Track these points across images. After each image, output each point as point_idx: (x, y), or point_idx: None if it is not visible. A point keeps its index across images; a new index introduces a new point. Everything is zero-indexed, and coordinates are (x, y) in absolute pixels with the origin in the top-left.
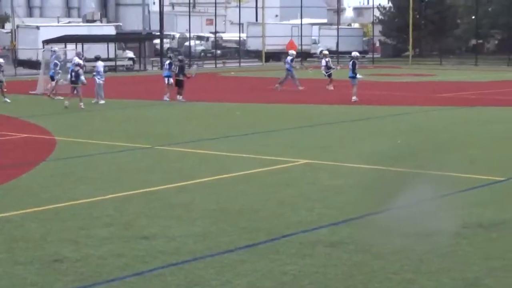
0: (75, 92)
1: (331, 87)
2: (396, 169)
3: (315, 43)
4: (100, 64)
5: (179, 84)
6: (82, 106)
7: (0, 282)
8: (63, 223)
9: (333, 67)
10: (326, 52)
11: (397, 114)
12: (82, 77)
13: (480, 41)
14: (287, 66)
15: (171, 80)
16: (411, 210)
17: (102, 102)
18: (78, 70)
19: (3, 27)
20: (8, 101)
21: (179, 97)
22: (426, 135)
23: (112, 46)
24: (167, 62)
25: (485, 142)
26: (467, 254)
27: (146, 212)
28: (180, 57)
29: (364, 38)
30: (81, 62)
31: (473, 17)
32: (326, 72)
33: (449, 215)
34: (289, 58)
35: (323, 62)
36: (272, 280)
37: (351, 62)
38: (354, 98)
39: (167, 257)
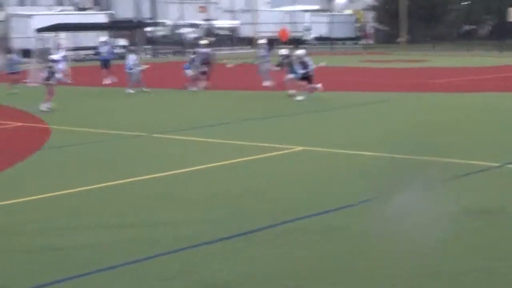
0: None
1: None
2: (392, 155)
3: (307, 30)
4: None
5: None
6: (47, 107)
7: None
8: (51, 213)
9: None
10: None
11: (393, 100)
12: (57, 75)
13: (473, 27)
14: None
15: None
16: (411, 196)
17: (130, 91)
18: (52, 66)
19: None
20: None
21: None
22: (422, 121)
23: (104, 34)
24: (192, 56)
25: (480, 127)
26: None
27: (137, 200)
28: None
29: (357, 25)
30: (57, 57)
31: (465, 2)
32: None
33: (450, 200)
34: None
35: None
36: (270, 267)
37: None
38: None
39: (165, 245)
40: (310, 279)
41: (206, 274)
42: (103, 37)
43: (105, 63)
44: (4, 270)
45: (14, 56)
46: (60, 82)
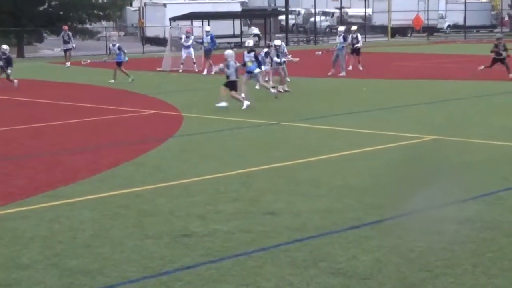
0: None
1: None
2: None
3: (441, 17)
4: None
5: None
6: (280, 89)
7: (130, 255)
8: (190, 199)
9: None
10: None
11: None
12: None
13: None
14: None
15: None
16: None
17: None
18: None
19: (131, 5)
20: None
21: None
22: None
23: (237, 22)
24: (265, 50)
25: None
26: None
27: (271, 188)
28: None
29: (492, 12)
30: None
31: None
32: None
33: None
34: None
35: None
36: (399, 256)
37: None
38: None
39: (293, 233)
40: (440, 268)
41: (336, 263)
42: (207, 27)
43: (206, 53)
44: (136, 255)
45: (112, 46)
46: (187, 70)
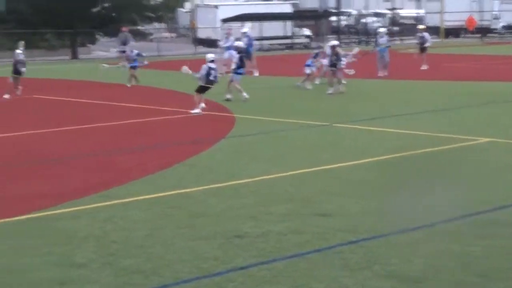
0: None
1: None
2: None
3: (496, 18)
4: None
5: None
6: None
7: (183, 256)
8: (242, 199)
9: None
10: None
11: None
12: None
13: None
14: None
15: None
16: None
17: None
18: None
19: (182, 7)
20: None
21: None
22: None
23: (289, 24)
24: (315, 51)
25: None
26: None
27: (323, 189)
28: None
29: None
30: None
31: None
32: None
33: None
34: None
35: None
36: (453, 260)
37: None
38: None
39: (346, 235)
40: (495, 273)
41: (390, 265)
42: (245, 28)
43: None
44: (189, 255)
45: (130, 52)
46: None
